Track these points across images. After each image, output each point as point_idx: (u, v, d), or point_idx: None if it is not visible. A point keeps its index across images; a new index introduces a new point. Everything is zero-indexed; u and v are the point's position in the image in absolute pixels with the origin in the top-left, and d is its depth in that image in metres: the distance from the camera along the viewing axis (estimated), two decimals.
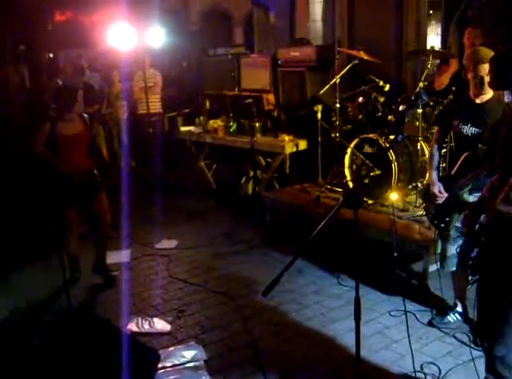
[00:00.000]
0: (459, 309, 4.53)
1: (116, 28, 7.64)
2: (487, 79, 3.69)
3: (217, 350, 4.24)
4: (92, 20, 13.85)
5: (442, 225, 4.24)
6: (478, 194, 3.40)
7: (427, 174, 4.46)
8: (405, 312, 4.19)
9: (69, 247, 5.34)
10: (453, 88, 5.61)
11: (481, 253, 2.95)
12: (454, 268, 4.34)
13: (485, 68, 3.73)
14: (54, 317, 4.32)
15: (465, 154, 3.95)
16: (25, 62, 12.37)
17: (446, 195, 4.10)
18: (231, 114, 8.42)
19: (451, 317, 4.51)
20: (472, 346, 4.05)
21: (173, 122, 9.32)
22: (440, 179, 4.22)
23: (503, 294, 2.90)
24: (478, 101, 4.03)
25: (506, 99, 2.76)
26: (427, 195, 4.41)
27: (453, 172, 4.09)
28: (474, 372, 3.51)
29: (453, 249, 4.14)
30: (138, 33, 8.01)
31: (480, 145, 3.81)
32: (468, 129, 4.04)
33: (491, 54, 3.61)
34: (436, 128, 4.54)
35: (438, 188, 4.14)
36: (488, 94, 3.97)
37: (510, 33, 6.51)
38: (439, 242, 4.61)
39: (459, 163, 4.00)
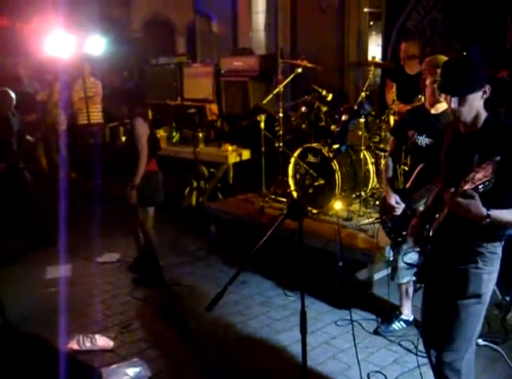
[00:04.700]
0: (404, 316, 4.56)
1: (55, 35, 7.46)
2: None
3: (162, 366, 4.13)
4: (31, 28, 13.50)
5: (400, 239, 4.13)
6: None
7: (383, 186, 4.39)
8: (351, 321, 4.18)
9: None
10: None
11: (427, 260, 2.97)
12: (405, 281, 4.35)
13: None
14: None
15: (420, 166, 3.90)
16: None
17: (403, 205, 4.03)
18: (174, 124, 8.32)
19: (396, 325, 4.54)
20: (418, 353, 4.08)
21: (114, 133, 9.14)
22: (394, 191, 4.07)
23: (449, 300, 2.92)
24: (433, 111, 3.95)
25: (452, 105, 2.73)
26: (383, 208, 4.36)
27: (407, 185, 4.04)
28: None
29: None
30: (78, 41, 7.85)
31: None
32: (423, 140, 3.98)
33: None
34: (391, 139, 4.48)
35: (394, 199, 3.98)
36: (444, 103, 3.84)
37: (448, 44, 6.68)
38: (391, 253, 4.59)
39: (413, 175, 3.94)
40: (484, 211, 2.50)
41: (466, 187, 2.45)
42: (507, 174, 2.53)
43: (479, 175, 2.41)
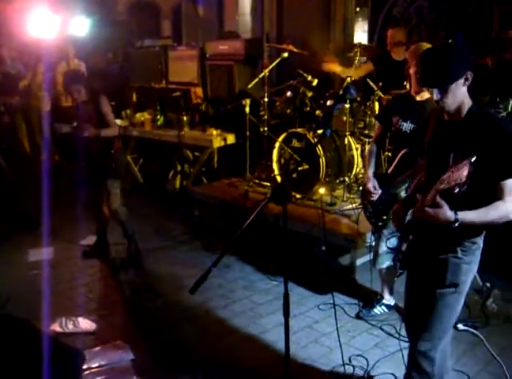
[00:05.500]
0: (385, 301, 4.60)
1: (39, 16, 7.37)
2: None
3: (144, 349, 4.14)
4: (14, 8, 13.29)
5: (380, 224, 4.18)
6: None
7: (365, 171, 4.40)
8: (334, 305, 4.21)
9: None
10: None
11: (409, 248, 2.97)
12: (384, 266, 4.38)
13: None
14: None
15: (403, 151, 3.91)
16: None
17: (379, 192, 4.06)
18: (159, 108, 8.27)
19: (378, 310, 4.58)
20: (400, 337, 4.12)
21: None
22: (376, 176, 4.16)
23: (429, 289, 2.92)
24: (418, 98, 3.95)
25: (435, 97, 2.69)
26: (364, 193, 4.40)
27: (389, 170, 4.07)
28: (401, 362, 3.58)
29: (384, 247, 4.13)
30: (62, 22, 7.77)
31: None
32: (407, 126, 4.00)
33: None
34: (377, 125, 4.50)
35: (372, 184, 4.09)
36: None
37: (433, 32, 6.71)
38: (372, 239, 4.62)
39: (396, 160, 3.96)
40: (452, 216, 2.54)
41: (441, 187, 2.46)
42: (483, 174, 2.54)
43: (454, 176, 2.41)
